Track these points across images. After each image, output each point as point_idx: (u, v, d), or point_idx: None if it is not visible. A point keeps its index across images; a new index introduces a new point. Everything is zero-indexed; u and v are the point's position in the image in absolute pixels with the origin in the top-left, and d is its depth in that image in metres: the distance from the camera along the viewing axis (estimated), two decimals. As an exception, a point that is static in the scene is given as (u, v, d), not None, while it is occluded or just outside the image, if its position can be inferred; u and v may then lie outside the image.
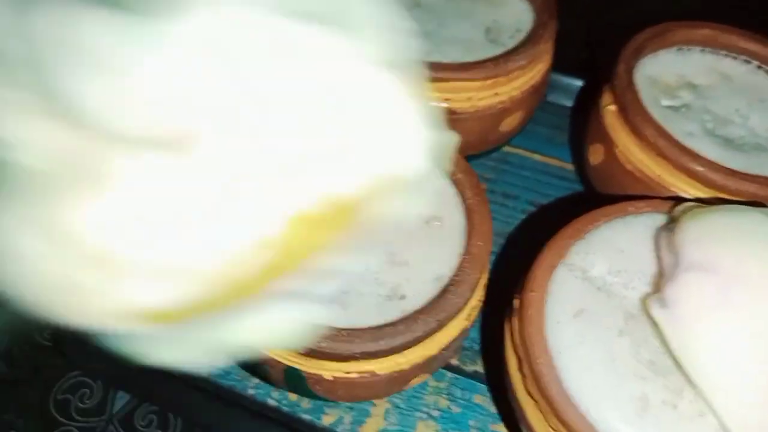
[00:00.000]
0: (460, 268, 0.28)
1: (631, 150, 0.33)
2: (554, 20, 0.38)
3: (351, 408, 0.34)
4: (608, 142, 0.34)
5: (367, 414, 0.34)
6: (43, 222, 0.14)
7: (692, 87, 0.36)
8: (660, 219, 0.29)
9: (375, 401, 0.34)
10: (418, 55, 0.15)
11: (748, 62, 0.37)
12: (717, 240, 0.25)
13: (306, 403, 0.34)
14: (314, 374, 0.28)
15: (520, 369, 0.27)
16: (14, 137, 0.14)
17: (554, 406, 0.25)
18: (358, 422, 0.34)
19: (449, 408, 0.34)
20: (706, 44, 0.37)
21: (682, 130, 0.33)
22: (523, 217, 0.42)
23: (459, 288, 0.28)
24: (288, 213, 0.14)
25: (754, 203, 0.29)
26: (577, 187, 0.43)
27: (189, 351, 0.16)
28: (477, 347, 0.36)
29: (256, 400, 0.34)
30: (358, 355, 0.27)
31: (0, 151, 0.14)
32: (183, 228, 0.14)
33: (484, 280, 0.30)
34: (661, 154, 0.31)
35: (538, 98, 0.39)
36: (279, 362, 0.28)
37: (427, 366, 0.29)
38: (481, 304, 0.31)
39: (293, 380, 0.29)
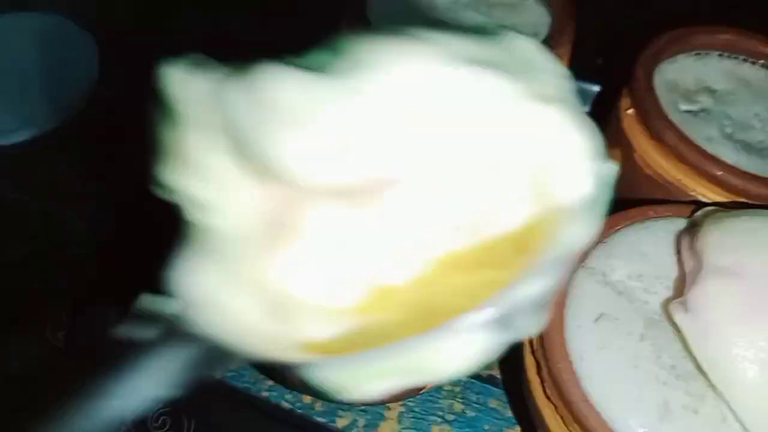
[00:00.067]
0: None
1: (650, 154, 0.33)
2: (572, 25, 0.37)
3: (365, 411, 0.34)
4: (627, 147, 0.34)
5: (381, 417, 0.34)
6: (239, 275, 0.15)
7: (711, 92, 0.36)
8: (680, 223, 0.29)
9: (389, 405, 0.34)
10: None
11: (767, 67, 0.37)
12: (741, 244, 0.24)
13: (320, 405, 0.34)
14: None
15: (539, 373, 0.27)
16: (210, 200, 0.16)
17: (575, 412, 0.24)
18: (372, 425, 0.33)
19: (464, 412, 0.34)
20: (724, 49, 0.37)
21: (701, 134, 0.33)
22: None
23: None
24: (465, 248, 0.15)
25: (776, 208, 0.29)
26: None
27: (374, 381, 0.16)
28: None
29: (269, 402, 0.34)
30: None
31: (198, 213, 0.16)
32: (364, 268, 0.15)
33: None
34: (680, 159, 0.31)
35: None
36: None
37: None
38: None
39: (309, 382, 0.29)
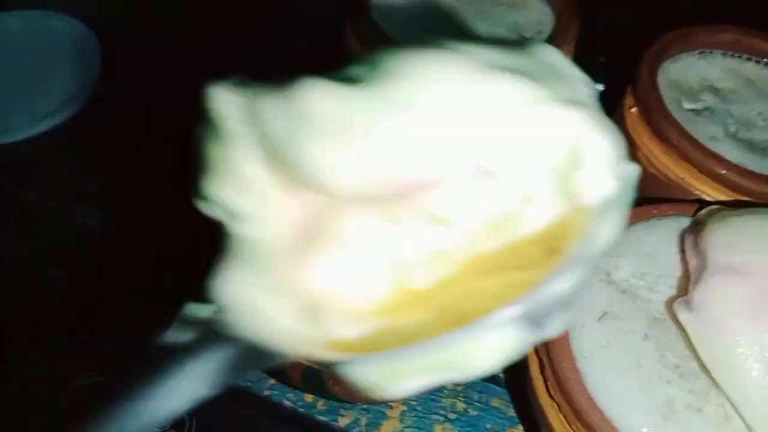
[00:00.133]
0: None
1: (653, 153, 0.33)
2: (576, 23, 0.37)
3: (367, 410, 0.34)
4: (630, 145, 0.34)
5: (383, 416, 0.34)
6: (275, 282, 0.16)
7: (715, 90, 0.35)
8: (684, 222, 0.28)
9: (391, 403, 0.34)
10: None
11: (770, 66, 0.37)
12: (745, 243, 0.24)
13: (322, 404, 0.34)
14: (333, 375, 0.28)
15: (542, 372, 0.27)
16: (249, 211, 0.16)
17: (578, 410, 0.24)
18: (374, 424, 0.33)
19: (466, 411, 0.34)
20: (728, 47, 0.37)
21: (705, 133, 0.33)
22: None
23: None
24: (493, 250, 0.16)
25: (780, 207, 0.29)
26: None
27: (406, 378, 0.17)
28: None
29: (271, 401, 0.34)
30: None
31: (237, 225, 0.17)
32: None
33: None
34: (684, 157, 0.31)
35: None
36: (299, 363, 0.28)
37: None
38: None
39: (312, 381, 0.29)
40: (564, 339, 0.25)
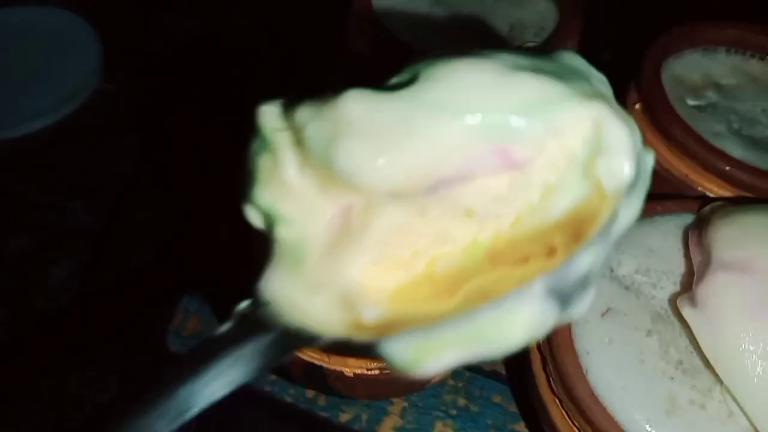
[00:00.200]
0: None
1: (657, 149, 0.33)
2: (580, 19, 0.37)
3: (368, 406, 0.34)
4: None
5: (385, 412, 0.34)
6: (312, 279, 0.18)
7: (718, 87, 0.35)
8: (688, 218, 0.28)
9: (392, 399, 0.34)
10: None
11: (774, 63, 0.37)
12: (749, 239, 0.24)
13: (323, 400, 0.34)
14: (335, 370, 0.28)
15: (545, 368, 0.27)
16: (291, 215, 0.18)
17: (580, 406, 0.24)
18: (375, 420, 0.33)
19: (467, 407, 0.34)
20: (732, 44, 0.37)
21: (708, 129, 0.33)
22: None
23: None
24: (516, 234, 0.17)
25: (784, 204, 0.29)
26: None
27: (437, 353, 0.18)
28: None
29: (272, 397, 0.34)
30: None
31: (280, 228, 0.18)
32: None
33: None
34: (688, 154, 0.31)
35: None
36: (300, 358, 0.28)
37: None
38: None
39: (314, 376, 0.29)
40: (567, 335, 0.25)
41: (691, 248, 0.26)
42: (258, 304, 0.19)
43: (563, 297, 0.18)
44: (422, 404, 0.34)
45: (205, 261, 0.32)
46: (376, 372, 0.28)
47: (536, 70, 0.17)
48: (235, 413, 0.34)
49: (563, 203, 0.17)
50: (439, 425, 0.33)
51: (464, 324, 0.18)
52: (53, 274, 0.41)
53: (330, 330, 0.18)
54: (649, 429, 0.23)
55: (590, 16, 0.39)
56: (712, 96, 0.35)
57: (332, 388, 0.29)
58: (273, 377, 0.34)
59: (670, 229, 0.28)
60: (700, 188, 0.31)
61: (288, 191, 0.18)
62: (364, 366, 0.27)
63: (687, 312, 0.24)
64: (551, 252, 0.17)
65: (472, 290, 0.17)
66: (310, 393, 0.34)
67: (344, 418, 0.33)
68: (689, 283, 0.26)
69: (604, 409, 0.24)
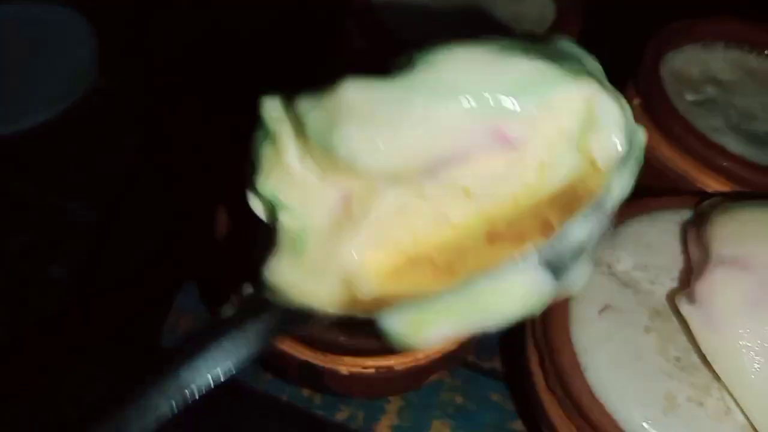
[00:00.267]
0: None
1: (656, 144, 0.32)
2: (579, 13, 0.37)
3: (365, 405, 0.34)
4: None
5: (382, 411, 0.33)
6: (315, 264, 0.19)
7: (717, 82, 0.35)
8: (687, 214, 0.28)
9: (390, 398, 0.34)
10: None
11: (773, 58, 0.36)
12: (748, 235, 0.24)
13: (319, 399, 0.34)
14: (331, 369, 0.27)
15: (542, 365, 0.27)
16: (294, 202, 0.19)
17: (578, 404, 0.24)
18: (372, 419, 0.33)
19: (465, 405, 0.34)
20: (730, 39, 0.36)
21: (707, 125, 0.33)
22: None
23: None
24: (509, 208, 0.18)
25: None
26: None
27: (433, 325, 0.19)
28: (494, 344, 0.35)
29: (268, 396, 0.34)
30: (376, 350, 0.26)
31: (284, 216, 0.19)
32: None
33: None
34: (687, 149, 0.31)
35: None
36: (295, 357, 0.28)
37: (445, 362, 0.28)
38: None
39: (308, 375, 0.28)
40: (564, 332, 0.25)
41: (689, 244, 0.26)
42: (260, 288, 0.19)
43: (558, 268, 0.19)
44: (419, 403, 0.34)
45: (204, 260, 0.32)
46: (372, 371, 0.27)
47: (529, 53, 0.17)
48: (231, 412, 0.34)
49: (558, 179, 0.18)
50: (436, 424, 0.33)
51: (460, 295, 0.19)
52: (51, 272, 0.41)
53: (330, 308, 0.19)
54: (647, 427, 0.23)
55: (589, 11, 0.38)
56: (710, 91, 0.35)
57: (328, 387, 0.29)
58: (269, 376, 0.34)
59: (669, 225, 0.28)
60: (699, 184, 0.31)
61: (290, 179, 0.19)
62: (359, 365, 0.27)
63: (685, 309, 0.24)
64: (546, 226, 0.18)
65: (470, 267, 0.18)
66: (306, 392, 0.34)
67: (341, 416, 0.33)
68: (687, 280, 0.25)
69: (601, 407, 0.24)
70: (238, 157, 0.20)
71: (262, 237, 0.20)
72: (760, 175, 0.30)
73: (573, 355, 0.25)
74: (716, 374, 0.23)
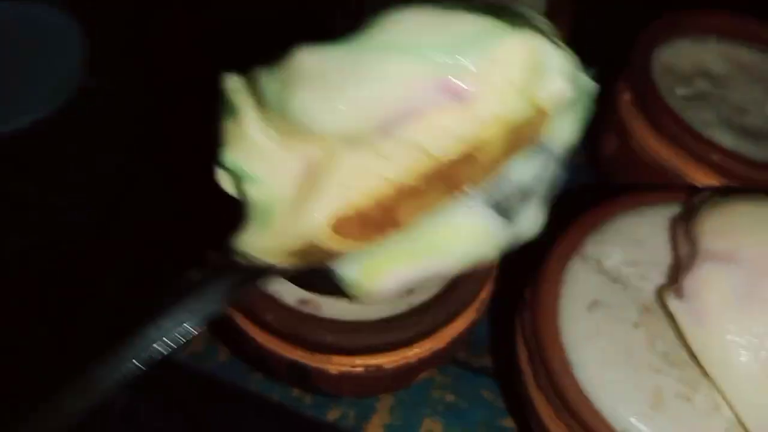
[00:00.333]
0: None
1: (646, 139, 0.32)
2: (569, 7, 0.37)
3: (356, 404, 0.33)
4: (623, 132, 0.34)
5: (373, 409, 0.33)
6: (280, 231, 0.20)
7: (708, 76, 0.35)
8: (676, 209, 0.28)
9: (380, 397, 0.34)
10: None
11: (764, 51, 0.36)
12: (736, 229, 0.24)
13: (310, 398, 0.33)
14: (320, 369, 0.27)
15: (531, 362, 0.26)
16: (258, 172, 0.19)
17: (566, 400, 0.24)
18: (363, 418, 0.33)
19: (456, 403, 0.33)
20: (722, 33, 0.36)
21: (698, 119, 0.32)
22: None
23: (468, 280, 0.27)
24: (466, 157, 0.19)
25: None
26: (590, 178, 0.42)
27: (386, 270, 0.20)
28: (484, 341, 0.35)
29: (259, 396, 0.34)
30: (364, 349, 0.26)
31: (249, 187, 0.19)
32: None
33: (494, 273, 0.29)
34: (677, 144, 0.31)
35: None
36: (283, 356, 0.27)
37: (435, 360, 0.28)
38: (490, 296, 0.30)
39: (297, 375, 0.28)
40: (553, 328, 0.25)
41: (677, 239, 0.26)
42: (229, 253, 0.20)
43: (507, 210, 0.20)
44: (410, 401, 0.33)
45: (202, 260, 0.31)
46: (361, 369, 0.27)
47: (473, 12, 0.18)
48: (221, 411, 0.34)
49: (507, 126, 0.19)
50: (427, 422, 0.33)
51: (411, 238, 0.19)
52: (46, 273, 0.41)
53: (289, 263, 0.20)
54: (635, 423, 0.23)
55: (580, 5, 0.38)
56: (702, 85, 0.34)
57: (318, 387, 0.29)
58: (260, 377, 0.34)
59: (658, 219, 0.28)
60: (689, 179, 0.31)
61: (253, 149, 0.19)
62: (348, 364, 0.27)
63: (673, 304, 0.24)
64: (490, 166, 0.19)
65: (417, 212, 0.19)
66: (297, 392, 0.34)
67: (332, 416, 0.33)
68: (676, 275, 0.25)
69: (590, 404, 0.23)
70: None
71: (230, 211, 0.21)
72: (751, 169, 0.30)
73: (561, 351, 0.24)
74: (704, 370, 0.23)
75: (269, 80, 0.19)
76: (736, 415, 0.22)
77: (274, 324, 0.25)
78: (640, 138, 0.33)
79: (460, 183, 0.19)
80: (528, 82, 0.18)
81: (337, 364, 0.27)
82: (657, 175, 0.32)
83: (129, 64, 0.50)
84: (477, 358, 0.35)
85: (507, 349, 0.29)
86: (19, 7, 0.50)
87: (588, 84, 0.20)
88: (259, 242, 0.20)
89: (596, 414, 0.23)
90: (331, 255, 0.20)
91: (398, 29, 0.18)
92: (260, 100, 0.19)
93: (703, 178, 0.31)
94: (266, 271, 0.21)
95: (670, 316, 0.24)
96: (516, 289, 0.29)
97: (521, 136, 0.19)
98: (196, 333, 0.19)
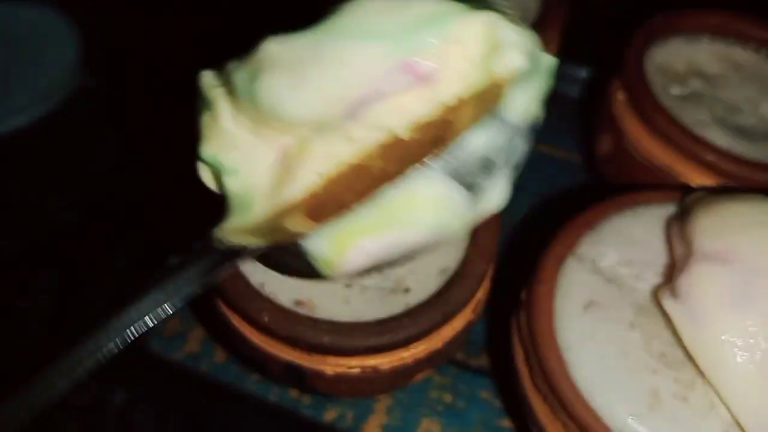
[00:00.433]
0: (466, 260, 0.28)
1: (640, 139, 0.32)
2: (562, 8, 0.37)
3: (353, 404, 0.33)
4: (617, 132, 0.34)
5: (370, 410, 0.33)
6: (258, 221, 0.20)
7: (702, 75, 0.35)
8: (671, 209, 0.28)
9: (378, 397, 0.34)
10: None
11: (758, 50, 0.36)
12: (730, 229, 0.24)
13: (307, 399, 0.34)
14: (316, 370, 0.27)
15: (527, 362, 0.26)
16: (235, 164, 0.20)
17: (563, 400, 0.24)
18: (360, 418, 0.33)
19: (453, 403, 0.34)
20: (716, 32, 0.36)
21: (692, 118, 0.32)
22: (530, 209, 0.41)
23: (465, 280, 0.27)
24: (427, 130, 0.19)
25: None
26: (585, 178, 0.42)
27: (353, 243, 0.20)
28: (482, 341, 0.35)
29: (256, 397, 0.34)
30: (360, 350, 0.26)
31: (228, 179, 0.20)
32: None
33: (490, 273, 0.30)
34: (671, 143, 0.31)
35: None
36: (279, 357, 0.27)
37: (431, 360, 0.28)
38: (487, 296, 0.30)
39: (293, 376, 0.28)
40: (549, 328, 0.25)
41: (672, 239, 0.26)
42: (209, 240, 0.21)
43: (469, 181, 0.21)
44: (408, 401, 0.33)
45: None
46: (358, 370, 0.27)
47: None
48: (218, 413, 0.34)
49: (462, 93, 0.19)
50: (425, 422, 0.33)
51: (374, 210, 0.20)
52: (36, 274, 0.41)
53: (262, 242, 0.21)
54: (632, 423, 0.23)
55: (574, 4, 0.38)
56: (695, 84, 0.35)
57: (314, 387, 0.29)
58: (256, 377, 0.34)
59: (653, 219, 0.28)
60: (683, 178, 0.31)
61: (229, 141, 0.20)
62: (344, 365, 0.27)
63: (668, 304, 0.24)
64: (445, 137, 0.20)
65: (378, 185, 0.20)
66: (294, 392, 0.34)
67: (329, 416, 0.33)
68: (672, 275, 0.25)
69: (587, 404, 0.23)
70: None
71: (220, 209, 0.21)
72: (745, 168, 0.30)
73: (557, 352, 0.24)
74: (700, 369, 0.23)
75: (239, 71, 0.19)
76: (732, 415, 0.22)
77: (270, 325, 0.25)
78: (634, 138, 0.33)
79: (426, 158, 0.20)
80: (486, 57, 0.19)
81: (333, 365, 0.27)
82: (651, 174, 0.32)
83: (124, 65, 0.50)
84: (475, 359, 0.35)
85: (504, 349, 0.29)
86: (15, 7, 0.50)
87: (547, 60, 0.21)
88: (238, 232, 0.21)
89: (593, 414, 0.23)
90: (302, 234, 0.21)
91: (359, 14, 0.18)
92: (232, 92, 0.19)
93: (698, 178, 0.31)
94: (240, 252, 0.21)
95: (666, 316, 0.24)
96: (513, 288, 0.29)
97: (481, 109, 0.20)
98: (171, 312, 0.20)
